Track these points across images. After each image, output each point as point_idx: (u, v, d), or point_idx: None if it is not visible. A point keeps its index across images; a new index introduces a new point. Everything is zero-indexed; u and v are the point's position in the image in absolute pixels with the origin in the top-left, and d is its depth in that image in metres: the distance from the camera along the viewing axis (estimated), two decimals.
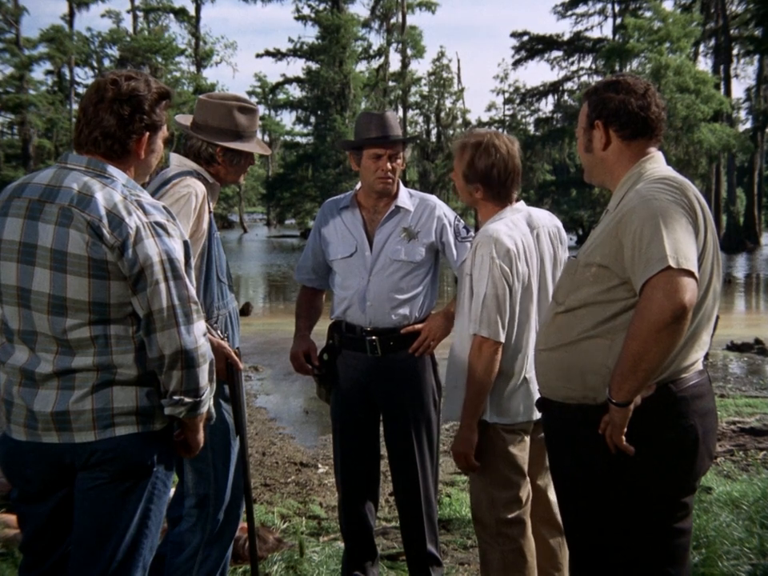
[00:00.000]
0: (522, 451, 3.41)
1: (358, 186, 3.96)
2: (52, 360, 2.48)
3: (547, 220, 3.52)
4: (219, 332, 3.39)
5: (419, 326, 3.82)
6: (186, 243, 2.56)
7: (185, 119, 3.60)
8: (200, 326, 2.50)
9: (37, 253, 2.45)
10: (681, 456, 2.61)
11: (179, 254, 2.49)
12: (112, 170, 2.52)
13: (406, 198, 3.91)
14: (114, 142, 2.53)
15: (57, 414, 2.48)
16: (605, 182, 2.85)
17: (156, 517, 2.62)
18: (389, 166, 3.79)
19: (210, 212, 3.45)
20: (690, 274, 2.39)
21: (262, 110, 60.27)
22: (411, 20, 54.24)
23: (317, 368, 3.95)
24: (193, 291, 2.50)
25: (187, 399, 2.49)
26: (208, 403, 2.58)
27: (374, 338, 3.82)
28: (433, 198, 4.01)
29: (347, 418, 3.95)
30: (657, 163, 2.73)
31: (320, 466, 6.73)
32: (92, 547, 2.55)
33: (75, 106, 56.06)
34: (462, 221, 3.95)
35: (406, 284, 3.82)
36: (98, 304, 2.45)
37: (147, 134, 2.58)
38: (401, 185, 3.92)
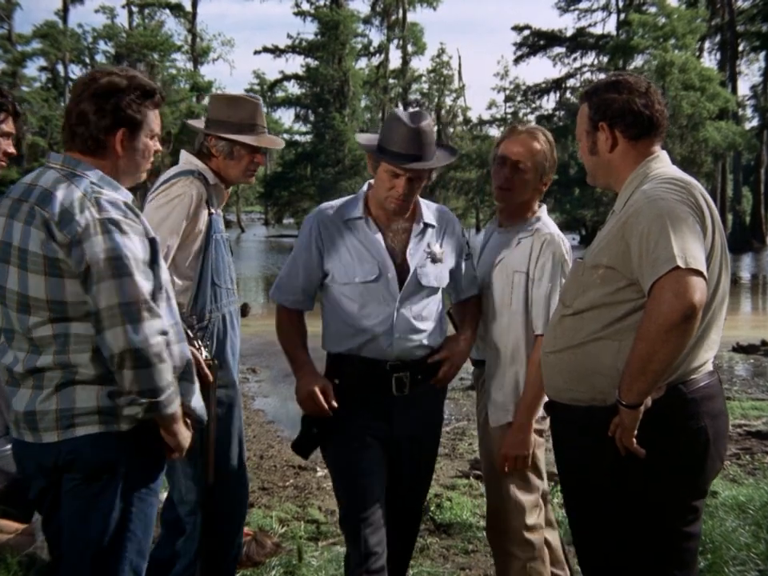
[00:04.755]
0: (541, 453, 3.48)
1: (365, 187, 3.45)
2: (23, 359, 2.54)
3: None
4: (198, 341, 3.36)
5: (442, 353, 3.40)
6: (152, 240, 2.55)
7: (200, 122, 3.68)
8: (152, 324, 2.44)
9: (11, 251, 2.52)
10: (691, 458, 2.61)
11: (133, 251, 2.46)
12: (84, 167, 2.56)
13: (427, 211, 3.45)
14: (89, 137, 2.57)
15: (27, 414, 2.54)
16: (610, 184, 2.86)
17: (140, 520, 2.61)
18: (406, 189, 3.25)
19: (210, 214, 3.45)
20: (698, 273, 2.40)
21: None
22: (412, 16, 54.24)
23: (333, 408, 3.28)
24: (145, 289, 2.46)
25: (142, 399, 2.46)
26: (174, 405, 2.52)
27: (402, 374, 3.32)
28: (447, 210, 3.60)
29: (363, 468, 3.30)
30: (662, 162, 2.75)
31: (318, 469, 6.72)
32: (73, 552, 2.58)
33: None
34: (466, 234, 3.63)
35: (428, 311, 3.39)
36: (55, 302, 2.48)
37: (123, 129, 2.59)
38: (417, 197, 3.41)
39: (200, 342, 3.38)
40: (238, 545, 3.68)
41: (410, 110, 3.37)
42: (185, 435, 2.64)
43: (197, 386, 2.64)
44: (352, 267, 3.31)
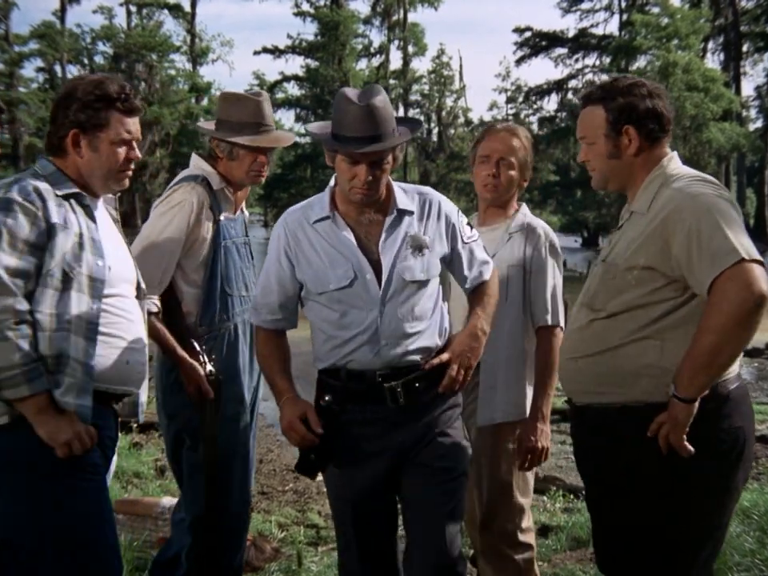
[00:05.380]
0: None
1: (332, 182, 3.07)
2: None
3: None
4: (202, 356, 3.37)
5: (445, 355, 2.98)
6: (51, 227, 2.60)
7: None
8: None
9: None
10: (730, 459, 2.62)
11: (11, 228, 2.55)
12: (42, 163, 2.76)
13: (402, 196, 3.06)
14: (50, 138, 2.78)
15: None
16: (625, 187, 2.84)
17: (60, 518, 2.60)
18: (369, 176, 2.88)
19: (217, 220, 3.45)
20: (760, 263, 2.44)
21: None
22: (413, 16, 54.24)
23: (319, 435, 2.95)
24: (3, 265, 2.51)
25: None
26: (19, 390, 2.51)
27: (394, 383, 2.94)
28: (430, 190, 3.18)
29: (362, 496, 3.03)
30: (677, 162, 2.78)
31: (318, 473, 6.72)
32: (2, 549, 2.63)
33: None
34: (463, 216, 3.21)
35: (421, 309, 2.98)
36: None
37: (73, 131, 2.72)
38: (391, 182, 3.06)
39: (204, 357, 3.38)
40: (238, 564, 3.67)
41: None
42: (53, 429, 2.57)
43: (74, 381, 2.60)
44: (325, 274, 2.97)
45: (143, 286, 2.97)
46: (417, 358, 2.96)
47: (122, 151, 2.76)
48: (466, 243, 3.12)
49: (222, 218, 3.48)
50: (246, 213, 3.80)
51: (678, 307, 2.59)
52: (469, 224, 3.15)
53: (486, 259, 3.18)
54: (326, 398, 2.97)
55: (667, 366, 2.56)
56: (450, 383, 2.96)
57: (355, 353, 2.94)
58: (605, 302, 2.71)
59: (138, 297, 2.92)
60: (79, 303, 2.63)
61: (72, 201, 2.70)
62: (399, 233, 3.00)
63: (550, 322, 3.39)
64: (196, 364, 3.35)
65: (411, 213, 3.03)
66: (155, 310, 3.42)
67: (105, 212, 2.90)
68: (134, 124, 2.79)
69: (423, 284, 2.98)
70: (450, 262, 3.12)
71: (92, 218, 2.74)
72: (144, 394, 2.96)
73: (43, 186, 2.65)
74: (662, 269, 2.58)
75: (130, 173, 2.83)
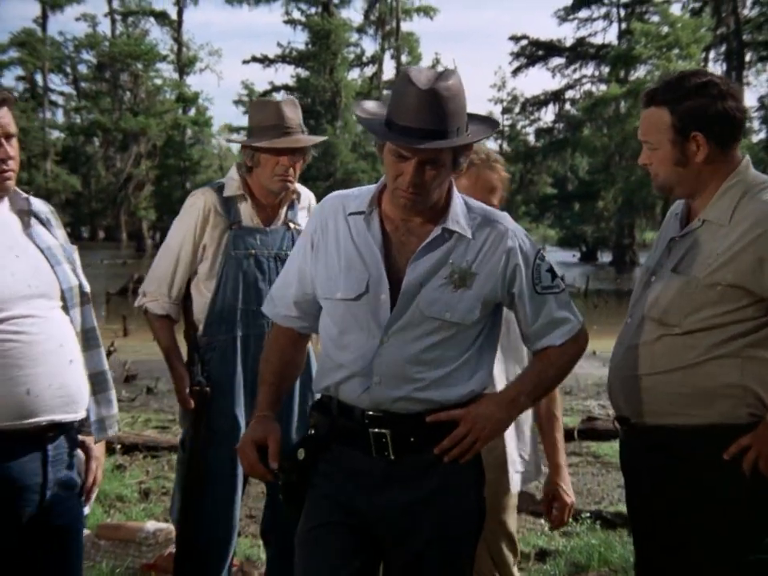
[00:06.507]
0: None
1: (384, 179, 2.55)
2: None
3: None
4: (198, 365, 3.41)
5: (457, 411, 2.45)
6: None
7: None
8: None
9: None
10: None
11: None
12: None
13: (460, 214, 2.50)
14: None
15: None
16: (694, 195, 2.69)
17: None
18: (416, 178, 2.36)
19: (231, 227, 3.48)
20: None
21: None
22: (409, 26, 54.73)
23: (276, 474, 2.53)
24: None
25: None
26: None
27: (382, 430, 2.45)
28: (504, 216, 2.57)
29: (329, 564, 2.47)
30: (752, 168, 2.68)
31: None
32: None
33: (48, 114, 56.17)
34: (545, 258, 2.58)
35: (440, 353, 2.46)
36: None
37: None
38: (454, 192, 2.53)
39: (197, 368, 3.41)
40: None
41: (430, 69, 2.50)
42: None
43: None
44: (336, 278, 2.51)
45: (87, 290, 2.68)
46: (417, 407, 2.44)
47: None
48: (539, 293, 2.53)
49: (235, 227, 3.50)
50: (301, 224, 3.65)
51: (761, 328, 2.51)
52: (551, 270, 2.56)
53: (563, 317, 2.56)
54: (312, 432, 2.56)
55: (748, 385, 2.50)
56: (448, 445, 2.44)
57: (345, 383, 2.48)
58: (680, 317, 2.57)
59: (66, 307, 2.59)
60: None
61: None
62: (437, 256, 2.47)
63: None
64: (184, 372, 3.41)
65: (463, 237, 2.49)
66: (162, 312, 3.54)
67: (7, 218, 2.59)
68: None
69: (450, 325, 2.45)
70: (515, 308, 2.57)
71: None
72: (108, 408, 2.71)
73: None
74: (752, 287, 2.49)
75: (10, 173, 2.53)
